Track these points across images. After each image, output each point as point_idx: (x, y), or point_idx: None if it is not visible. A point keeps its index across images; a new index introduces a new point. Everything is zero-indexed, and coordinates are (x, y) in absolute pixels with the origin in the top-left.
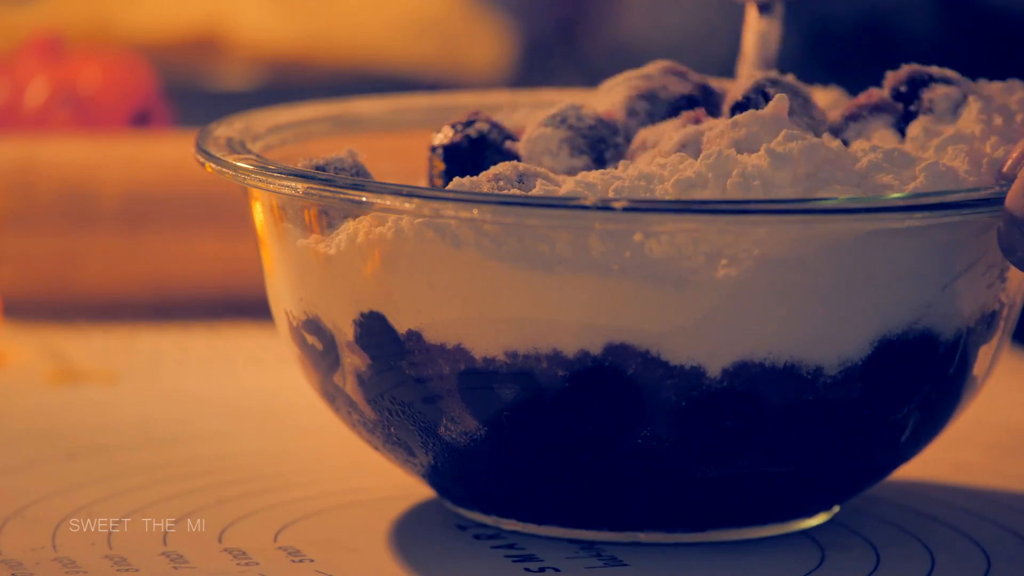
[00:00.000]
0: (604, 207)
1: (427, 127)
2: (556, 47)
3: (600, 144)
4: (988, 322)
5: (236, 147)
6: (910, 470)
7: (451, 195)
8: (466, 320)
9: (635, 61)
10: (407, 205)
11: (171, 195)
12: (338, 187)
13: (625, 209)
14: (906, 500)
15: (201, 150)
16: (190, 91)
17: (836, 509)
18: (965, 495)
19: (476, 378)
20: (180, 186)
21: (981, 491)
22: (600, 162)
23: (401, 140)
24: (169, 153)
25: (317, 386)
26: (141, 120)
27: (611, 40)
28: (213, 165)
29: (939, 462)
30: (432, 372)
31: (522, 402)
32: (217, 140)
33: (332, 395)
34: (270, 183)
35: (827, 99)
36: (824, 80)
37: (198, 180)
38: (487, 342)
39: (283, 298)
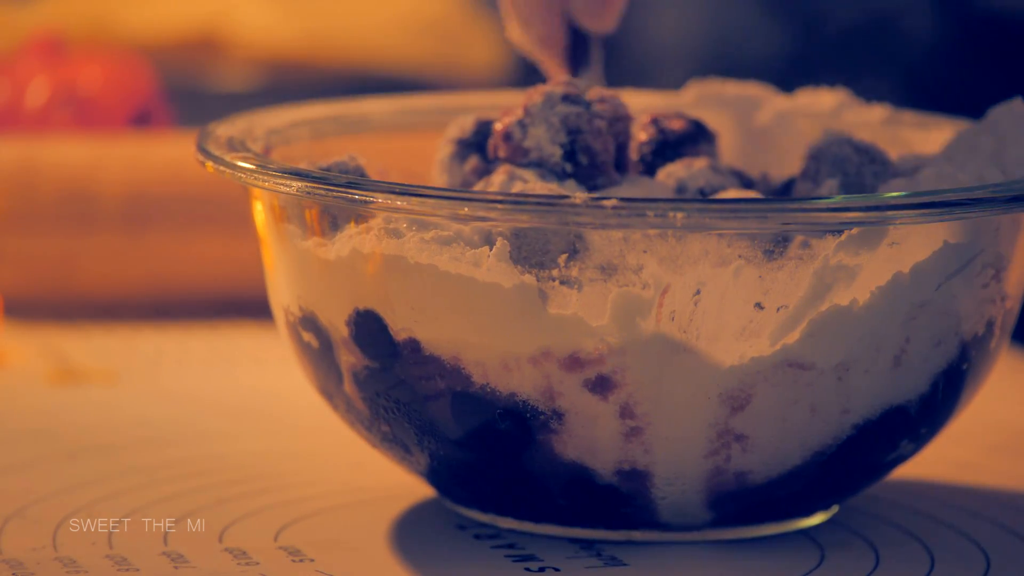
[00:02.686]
0: (595, 205)
1: (430, 128)
2: None
3: (486, 141)
4: (986, 321)
5: (236, 146)
6: (910, 470)
7: (445, 194)
8: (460, 331)
9: (636, 60)
10: (401, 204)
11: (172, 195)
12: (335, 186)
13: (615, 208)
14: (906, 500)
15: (201, 149)
16: (191, 91)
17: (836, 509)
18: (965, 495)
19: (470, 396)
20: (180, 186)
21: (981, 491)
22: (488, 159)
23: (403, 141)
24: (170, 153)
25: (315, 383)
26: (142, 120)
27: (613, 39)
28: (213, 164)
29: (939, 462)
30: (426, 373)
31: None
32: (218, 140)
33: (330, 393)
34: (269, 182)
35: (834, 101)
36: (831, 81)
37: (199, 180)
38: (480, 354)
39: (282, 295)
